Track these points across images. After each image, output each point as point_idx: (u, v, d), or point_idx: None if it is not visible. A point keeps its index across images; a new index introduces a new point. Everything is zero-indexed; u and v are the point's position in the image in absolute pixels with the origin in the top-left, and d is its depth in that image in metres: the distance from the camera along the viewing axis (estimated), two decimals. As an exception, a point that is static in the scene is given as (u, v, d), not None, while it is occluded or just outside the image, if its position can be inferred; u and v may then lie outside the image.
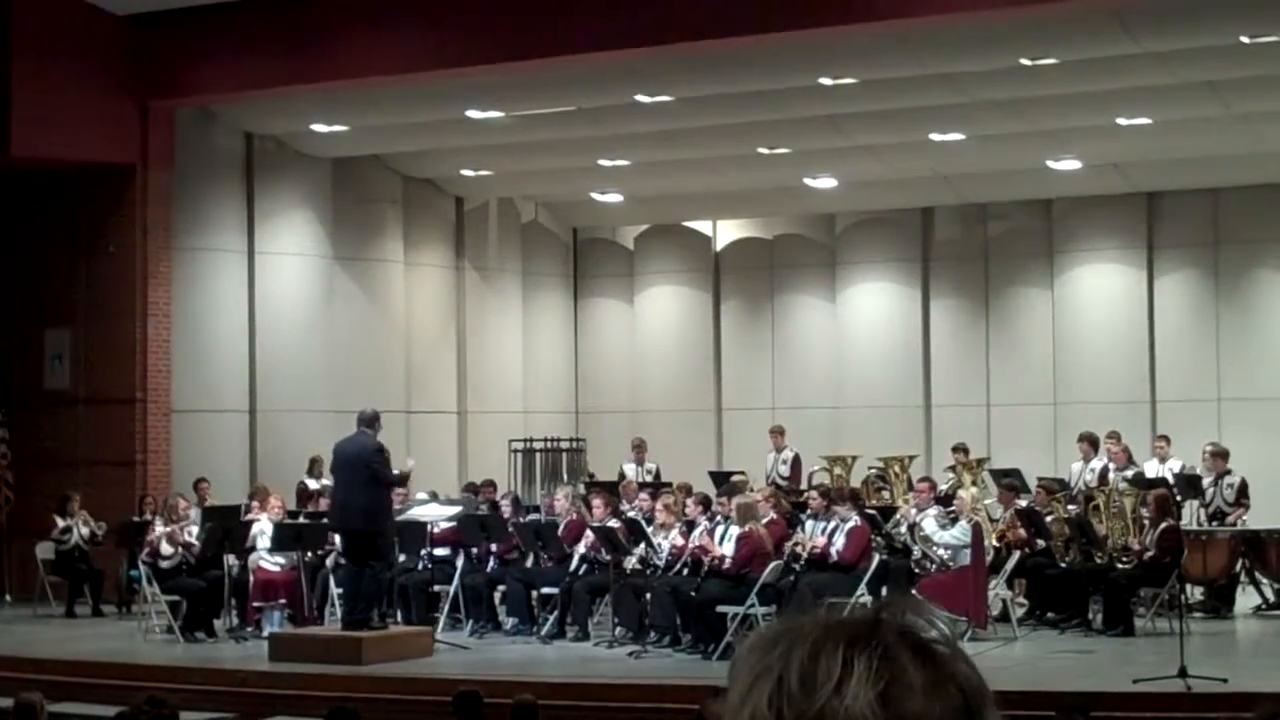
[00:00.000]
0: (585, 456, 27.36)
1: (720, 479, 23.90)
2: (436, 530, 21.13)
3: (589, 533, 20.28)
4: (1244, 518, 22.18)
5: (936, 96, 22.87)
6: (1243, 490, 22.38)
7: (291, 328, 26.39)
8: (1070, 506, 21.35)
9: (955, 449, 24.59)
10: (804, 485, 24.19)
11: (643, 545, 19.82)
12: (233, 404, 25.77)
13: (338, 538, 19.91)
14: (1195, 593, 21.31)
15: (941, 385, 29.23)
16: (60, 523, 23.44)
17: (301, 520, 21.81)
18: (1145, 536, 19.85)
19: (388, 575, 19.61)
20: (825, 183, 28.04)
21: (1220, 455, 22.67)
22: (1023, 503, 21.22)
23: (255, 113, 25.69)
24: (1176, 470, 22.95)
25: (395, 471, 19.38)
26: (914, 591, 18.37)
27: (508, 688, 14.81)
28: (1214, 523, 22.08)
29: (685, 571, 19.14)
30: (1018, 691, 14.20)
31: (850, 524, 19.17)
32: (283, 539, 20.62)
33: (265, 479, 24.13)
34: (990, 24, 20.57)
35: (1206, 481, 22.49)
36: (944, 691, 1.83)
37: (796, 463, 25.78)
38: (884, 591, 18.65)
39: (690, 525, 19.82)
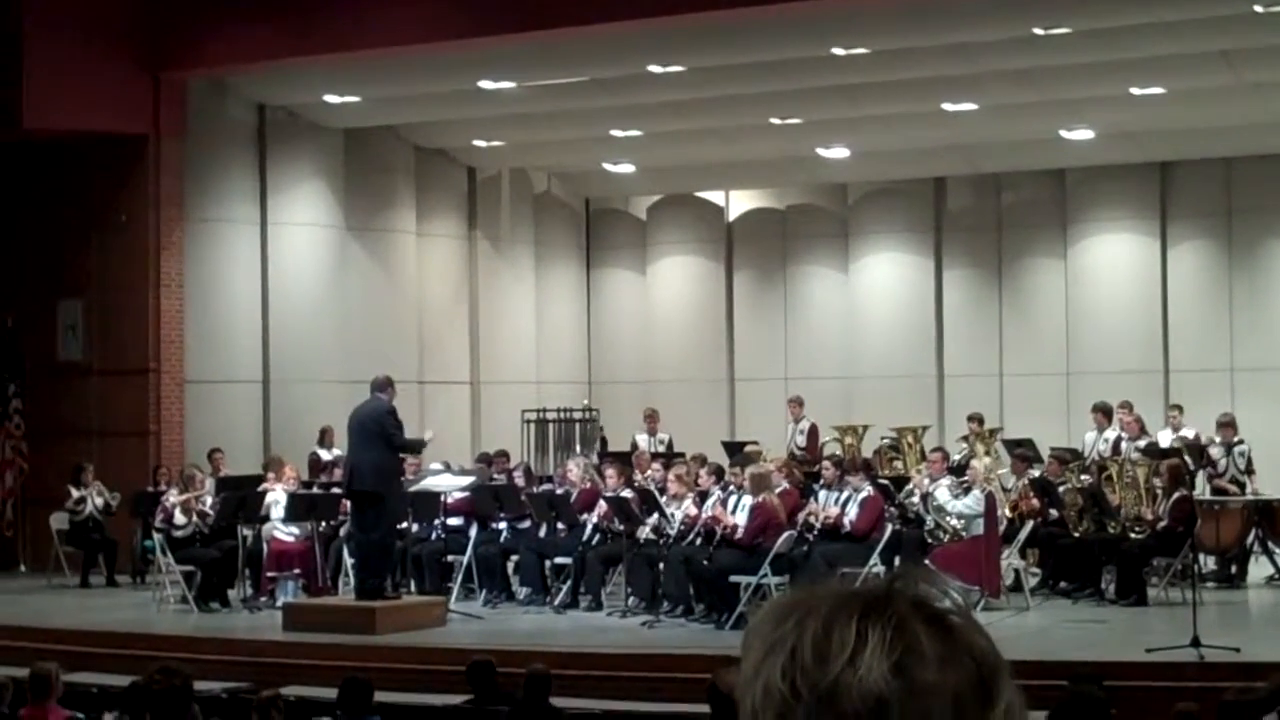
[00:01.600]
0: (598, 425, 27.35)
1: (733, 449, 23.91)
2: (450, 500, 21.16)
3: (601, 502, 20.31)
4: (1255, 486, 22.24)
5: (949, 66, 22.83)
6: (1249, 459, 22.43)
7: (304, 298, 26.40)
8: (1083, 476, 21.34)
9: (971, 418, 24.57)
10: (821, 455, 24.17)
11: (656, 515, 19.83)
12: (246, 374, 25.80)
13: (350, 505, 19.93)
14: (1208, 562, 21.31)
15: (954, 355, 29.22)
16: (74, 493, 23.50)
17: (314, 490, 21.86)
18: (1158, 506, 19.86)
19: (397, 544, 19.63)
20: (838, 153, 28.02)
21: (1229, 425, 22.67)
22: (1036, 473, 21.21)
23: (267, 83, 25.68)
24: (1189, 438, 22.95)
25: (411, 438, 19.39)
26: (927, 561, 18.38)
27: (521, 657, 14.85)
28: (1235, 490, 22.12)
29: (699, 541, 19.15)
30: (1031, 661, 14.21)
31: (863, 494, 19.19)
32: (296, 509, 20.67)
33: (278, 449, 24.18)
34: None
35: (1218, 452, 22.47)
36: (958, 662, 1.83)
37: (814, 433, 25.74)
38: (897, 561, 18.69)
39: (703, 495, 19.83)
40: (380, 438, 18.68)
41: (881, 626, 1.82)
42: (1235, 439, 22.47)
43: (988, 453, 22.90)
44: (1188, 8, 20.41)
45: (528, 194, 30.89)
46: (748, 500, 18.84)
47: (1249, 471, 22.29)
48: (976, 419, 24.45)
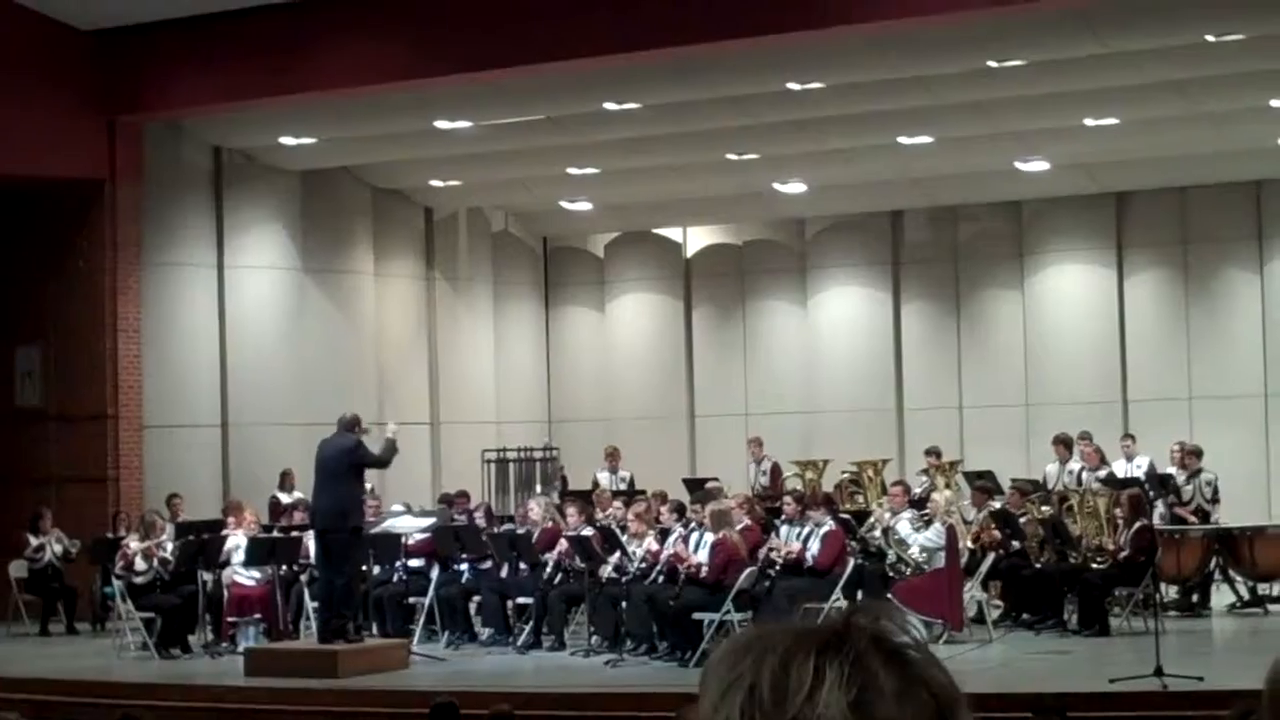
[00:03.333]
0: (559, 464, 27.33)
1: (694, 486, 23.89)
2: (411, 542, 21.09)
3: (562, 541, 20.27)
4: (1216, 516, 22.31)
5: (904, 99, 22.89)
6: (1215, 488, 22.50)
7: (262, 341, 26.34)
8: (1044, 507, 21.37)
9: (927, 452, 24.62)
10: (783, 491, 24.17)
11: (617, 554, 19.80)
12: (204, 419, 25.70)
13: (312, 545, 19.85)
14: (1170, 591, 21.34)
15: (913, 388, 29.27)
16: (33, 541, 23.36)
17: (275, 534, 21.76)
18: (1119, 536, 19.89)
19: (361, 585, 19.54)
20: (794, 187, 28.06)
21: (1194, 453, 22.73)
22: (996, 504, 21.23)
23: (223, 126, 25.64)
24: (1144, 468, 23.02)
25: (381, 449, 19.24)
26: (889, 595, 18.38)
27: (484, 698, 14.80)
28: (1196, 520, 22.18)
29: (661, 579, 19.11)
30: (994, 693, 14.21)
31: (825, 529, 19.18)
32: (257, 553, 20.57)
33: (238, 493, 24.08)
34: (956, 26, 20.59)
35: (1181, 480, 22.52)
36: (916, 696, 1.82)
37: (776, 471, 25.78)
38: (859, 595, 18.68)
39: (664, 533, 19.81)
40: (346, 475, 18.62)
41: (839, 663, 1.81)
42: (1197, 467, 22.53)
43: (948, 485, 22.91)
44: (1140, 38, 20.51)
45: (485, 233, 30.89)
46: (709, 537, 18.82)
47: (1214, 500, 22.36)
48: (934, 453, 24.51)
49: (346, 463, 18.62)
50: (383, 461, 19.39)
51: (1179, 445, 23.22)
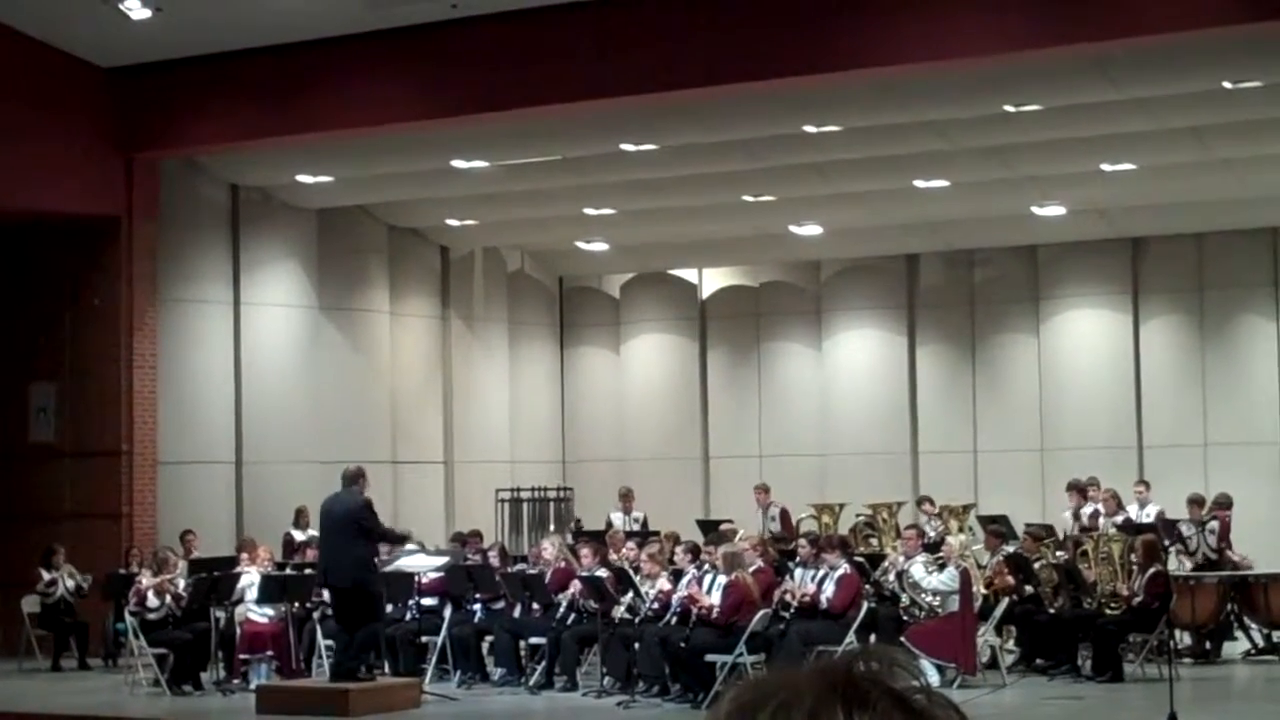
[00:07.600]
0: (572, 505, 27.30)
1: (708, 527, 23.86)
2: (424, 580, 21.07)
3: (576, 581, 20.23)
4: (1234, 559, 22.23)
5: (920, 143, 22.91)
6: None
7: (277, 378, 26.34)
8: (1059, 553, 21.32)
9: (919, 502, 24.67)
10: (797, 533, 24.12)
11: (630, 594, 19.77)
12: (219, 455, 25.70)
13: (327, 594, 19.81)
14: (1184, 638, 21.28)
15: (928, 432, 29.22)
16: (46, 576, 23.34)
17: (288, 572, 21.75)
18: (1134, 582, 19.83)
19: (381, 628, 19.49)
20: (810, 230, 28.07)
21: (1196, 502, 22.68)
22: (1010, 549, 21.18)
23: (240, 164, 25.69)
24: (1153, 515, 22.98)
25: (393, 530, 19.27)
26: (903, 639, 18.35)
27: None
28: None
29: (674, 621, 19.08)
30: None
31: (839, 572, 19.14)
32: (270, 590, 20.55)
33: (251, 530, 24.08)
34: (973, 71, 20.60)
35: (1189, 531, 22.41)
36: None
37: (785, 516, 25.70)
38: (873, 639, 18.63)
39: (677, 574, 19.78)
40: (359, 534, 18.54)
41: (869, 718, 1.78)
42: (1205, 516, 22.45)
43: (961, 529, 22.88)
44: (1157, 84, 20.51)
45: (501, 272, 30.92)
46: (722, 579, 18.79)
47: (1219, 550, 22.29)
48: (927, 500, 24.54)
49: (355, 524, 18.53)
50: (387, 537, 19.45)
51: (1198, 499, 23.05)
